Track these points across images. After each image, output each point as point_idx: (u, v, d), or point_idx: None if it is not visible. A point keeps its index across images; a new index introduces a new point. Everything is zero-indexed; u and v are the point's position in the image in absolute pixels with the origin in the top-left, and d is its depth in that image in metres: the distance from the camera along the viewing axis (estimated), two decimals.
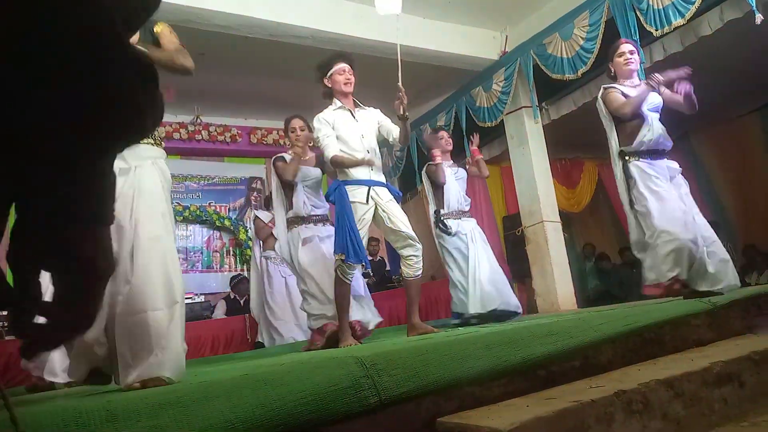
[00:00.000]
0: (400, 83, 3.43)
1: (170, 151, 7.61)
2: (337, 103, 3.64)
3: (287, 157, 4.26)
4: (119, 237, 2.05)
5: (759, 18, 4.13)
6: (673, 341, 1.98)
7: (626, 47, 3.55)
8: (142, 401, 1.15)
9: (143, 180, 2.17)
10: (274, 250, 5.38)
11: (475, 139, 5.15)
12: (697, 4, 4.38)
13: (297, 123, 4.26)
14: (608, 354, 1.77)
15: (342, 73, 3.61)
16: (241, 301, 6.47)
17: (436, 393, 1.37)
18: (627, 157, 3.41)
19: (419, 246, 3.59)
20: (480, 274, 4.57)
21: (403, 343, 2.36)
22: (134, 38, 2.19)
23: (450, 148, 5.02)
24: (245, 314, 5.96)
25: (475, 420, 1.26)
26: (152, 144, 2.32)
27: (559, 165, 8.37)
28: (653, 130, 3.39)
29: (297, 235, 4.08)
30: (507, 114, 6.36)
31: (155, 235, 2.11)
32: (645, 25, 4.72)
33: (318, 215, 4.19)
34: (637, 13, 4.77)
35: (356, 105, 3.71)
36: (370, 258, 7.12)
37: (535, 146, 6.27)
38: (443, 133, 5.08)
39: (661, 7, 4.58)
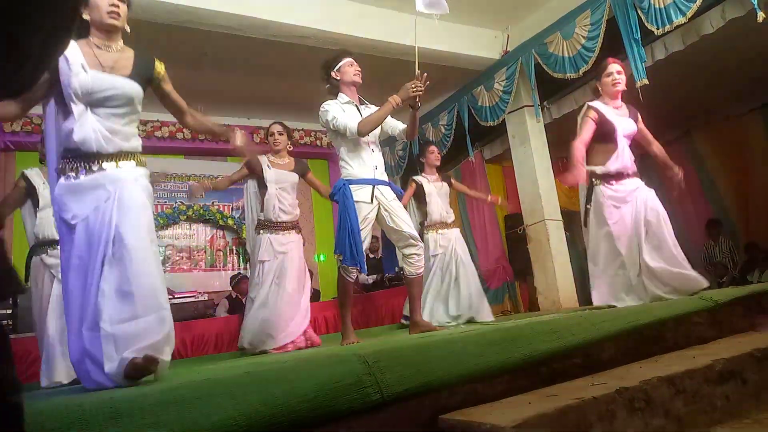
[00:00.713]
0: (417, 72, 3.33)
1: (174, 151, 7.59)
2: (343, 97, 3.61)
3: (263, 160, 4.32)
4: (98, 253, 2.14)
5: (761, 16, 4.11)
6: (674, 339, 1.98)
7: (614, 67, 3.67)
8: (146, 399, 1.16)
9: (123, 197, 2.23)
10: None
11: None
12: (698, 3, 4.37)
13: (275, 128, 4.37)
14: (610, 351, 1.77)
15: (352, 65, 3.62)
16: (243, 300, 6.48)
17: (439, 390, 1.38)
18: (594, 180, 3.60)
19: (421, 245, 3.60)
20: (443, 290, 4.90)
21: (405, 340, 2.37)
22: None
23: (438, 163, 5.22)
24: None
25: (478, 417, 1.26)
26: (135, 164, 2.38)
27: (560, 164, 8.35)
28: (622, 158, 3.56)
29: (262, 242, 4.21)
30: (509, 113, 6.35)
31: (140, 247, 2.17)
32: (646, 24, 4.71)
33: (285, 221, 4.28)
34: (639, 11, 4.76)
35: (361, 102, 3.70)
36: (372, 255, 7.16)
37: (537, 145, 6.26)
38: (433, 148, 5.21)
39: (662, 5, 4.57)
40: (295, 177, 4.36)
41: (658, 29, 4.64)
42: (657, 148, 3.82)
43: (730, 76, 6.66)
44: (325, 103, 3.57)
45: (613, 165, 3.55)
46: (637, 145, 3.76)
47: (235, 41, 5.35)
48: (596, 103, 3.66)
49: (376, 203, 3.49)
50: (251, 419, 1.13)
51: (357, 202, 3.40)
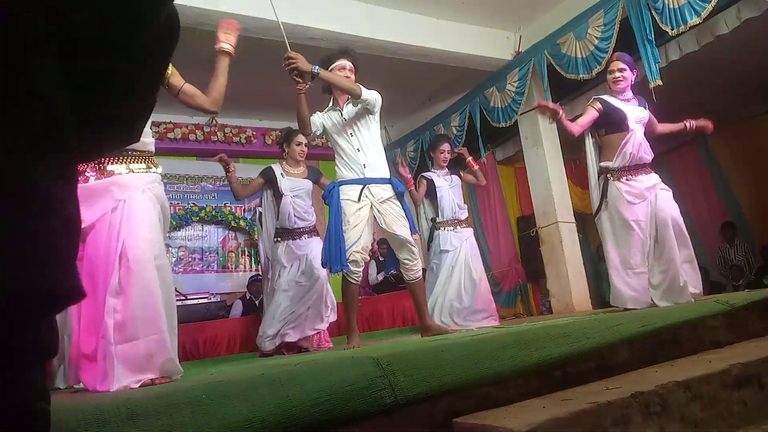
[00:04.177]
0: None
1: (186, 152, 7.64)
2: (330, 103, 3.65)
3: (276, 169, 4.40)
4: (107, 267, 2.12)
5: None
6: (690, 343, 1.96)
7: (615, 65, 3.63)
8: (162, 400, 1.17)
9: (132, 210, 2.21)
10: None
11: (465, 153, 5.09)
12: (713, 3, 4.33)
13: (302, 139, 4.40)
14: (625, 355, 1.75)
15: (342, 70, 3.52)
16: (257, 302, 6.50)
17: (452, 393, 1.37)
18: (608, 175, 3.53)
19: (415, 249, 3.51)
20: (448, 291, 4.77)
21: (418, 343, 2.36)
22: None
23: (446, 164, 5.04)
24: (260, 314, 5.98)
25: (492, 420, 1.26)
26: (144, 170, 2.34)
27: (573, 165, 8.31)
28: (634, 143, 3.46)
29: (283, 249, 4.29)
30: (521, 114, 6.33)
31: (142, 264, 2.14)
32: (660, 25, 4.67)
33: (303, 227, 4.36)
34: (653, 12, 4.73)
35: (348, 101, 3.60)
36: (381, 259, 7.13)
37: (550, 147, 6.24)
38: (444, 146, 5.04)
39: (676, 6, 4.53)
40: (309, 184, 4.45)
41: (672, 30, 4.61)
42: (660, 127, 3.78)
43: (745, 76, 6.60)
44: (313, 114, 3.58)
45: (627, 150, 3.46)
46: (649, 136, 3.68)
47: (246, 43, 5.35)
48: (604, 96, 3.64)
49: (365, 202, 3.43)
50: (265, 421, 1.14)
51: (343, 200, 3.40)
